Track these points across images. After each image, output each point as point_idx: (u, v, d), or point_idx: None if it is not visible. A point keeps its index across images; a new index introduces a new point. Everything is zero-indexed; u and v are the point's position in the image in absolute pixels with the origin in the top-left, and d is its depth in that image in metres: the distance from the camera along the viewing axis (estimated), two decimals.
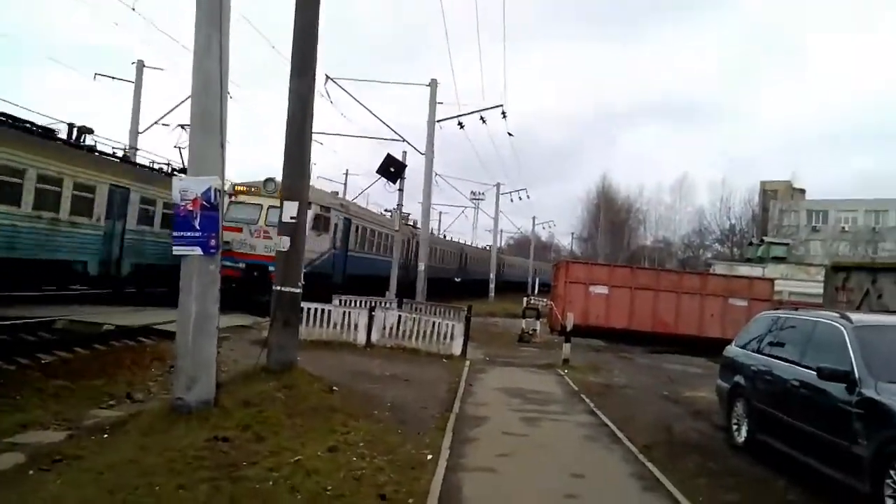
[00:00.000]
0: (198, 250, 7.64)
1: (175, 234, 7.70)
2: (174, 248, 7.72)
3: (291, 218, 9.80)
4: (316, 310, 15.33)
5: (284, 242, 9.77)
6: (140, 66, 27.93)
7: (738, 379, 9.04)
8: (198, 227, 7.63)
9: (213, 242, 7.66)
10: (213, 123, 7.59)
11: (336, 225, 23.29)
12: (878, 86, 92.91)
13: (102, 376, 9.90)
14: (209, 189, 7.61)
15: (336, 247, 22.94)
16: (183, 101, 24.65)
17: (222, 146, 7.65)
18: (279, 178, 21.19)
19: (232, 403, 7.82)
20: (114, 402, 8.78)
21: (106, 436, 7.04)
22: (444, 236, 52.26)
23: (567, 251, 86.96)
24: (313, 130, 10.15)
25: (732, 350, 9.82)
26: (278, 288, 9.71)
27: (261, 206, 20.73)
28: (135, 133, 27.06)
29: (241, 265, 20.09)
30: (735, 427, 8.96)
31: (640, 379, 15.00)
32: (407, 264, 33.92)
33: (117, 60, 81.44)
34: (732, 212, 65.59)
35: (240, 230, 20.59)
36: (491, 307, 38.92)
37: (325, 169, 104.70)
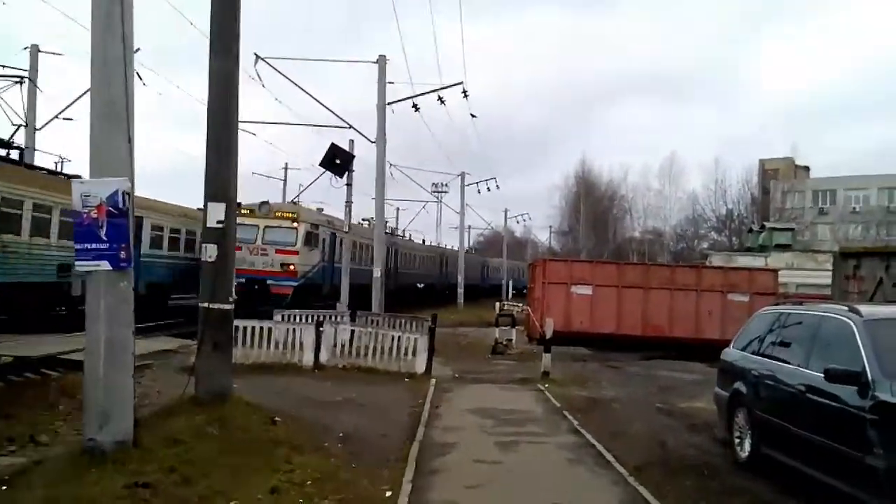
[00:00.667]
0: (105, 265, 7.45)
1: (77, 246, 7.51)
2: (76, 263, 7.53)
3: (218, 222, 9.64)
4: (253, 328, 15.16)
5: (210, 251, 9.61)
6: (34, 51, 27.31)
7: (739, 386, 9.16)
8: (104, 238, 7.44)
9: (123, 255, 7.48)
10: (118, 114, 7.42)
11: (324, 240, 28.48)
12: (893, 43, 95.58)
13: None
14: (116, 192, 7.43)
15: (325, 260, 27.92)
16: (87, 92, 24.22)
17: (130, 140, 7.48)
18: (273, 200, 25.10)
19: (154, 442, 7.67)
20: (14, 447, 8.52)
21: (4, 488, 6.82)
22: (404, 235, 53.28)
23: (545, 248, 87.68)
24: (242, 118, 10.02)
25: (731, 353, 9.94)
26: (205, 305, 9.57)
27: (257, 226, 26.48)
28: (31, 130, 26.45)
29: (242, 280, 24.38)
30: (737, 441, 9.08)
31: (631, 390, 15.16)
32: (388, 272, 36.30)
33: (7, 45, 79.46)
34: (729, 195, 66.85)
35: (240, 249, 24.10)
36: (461, 315, 39.03)
37: (258, 163, 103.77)
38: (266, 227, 26.83)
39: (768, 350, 8.89)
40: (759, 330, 9.42)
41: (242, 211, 25.89)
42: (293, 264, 26.99)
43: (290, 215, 27.93)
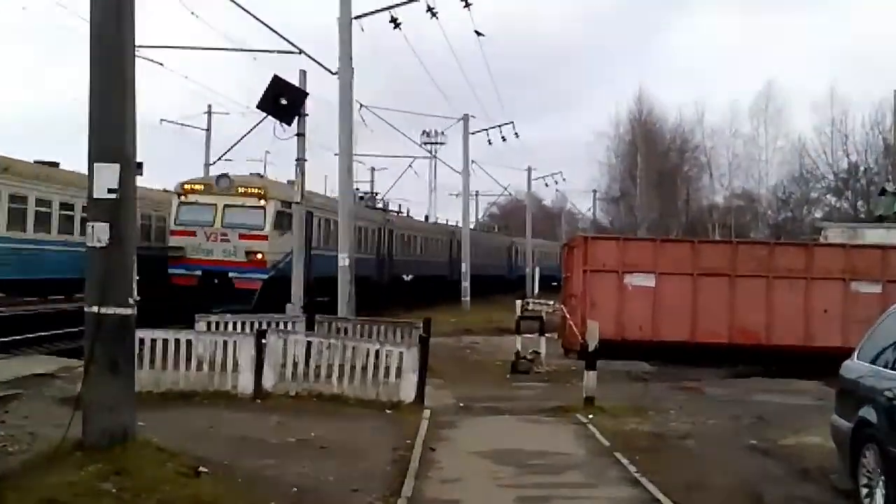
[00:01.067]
0: None
1: None
2: None
3: (110, 191, 9.57)
4: (165, 341, 15.13)
5: (99, 232, 9.53)
6: None
7: (866, 413, 9.13)
8: None
9: None
10: None
11: (302, 220, 27.66)
12: None
13: None
14: None
15: (301, 245, 27.75)
16: None
17: None
18: (235, 173, 27.72)
19: None
20: None
21: None
22: (400, 211, 54.55)
23: (587, 221, 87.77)
24: (143, 42, 9.93)
25: (855, 367, 9.91)
26: (94, 310, 9.50)
27: (215, 205, 28.42)
28: None
29: (198, 272, 27.48)
30: (864, 491, 9.10)
31: (713, 422, 15.17)
32: (381, 260, 41.74)
33: None
34: (851, 143, 66.81)
35: (193, 234, 28.53)
36: (467, 319, 39.13)
37: (170, 107, 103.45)
38: (226, 206, 28.80)
39: None
40: None
41: (196, 187, 29.54)
42: (261, 252, 28.63)
43: (257, 191, 29.50)
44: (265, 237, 28.73)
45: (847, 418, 9.63)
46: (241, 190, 29.15)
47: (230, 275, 27.14)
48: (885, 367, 9.23)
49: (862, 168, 66.85)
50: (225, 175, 29.46)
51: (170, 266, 29.51)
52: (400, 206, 57.07)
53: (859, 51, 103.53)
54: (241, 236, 28.53)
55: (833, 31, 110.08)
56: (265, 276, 27.43)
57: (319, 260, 30.46)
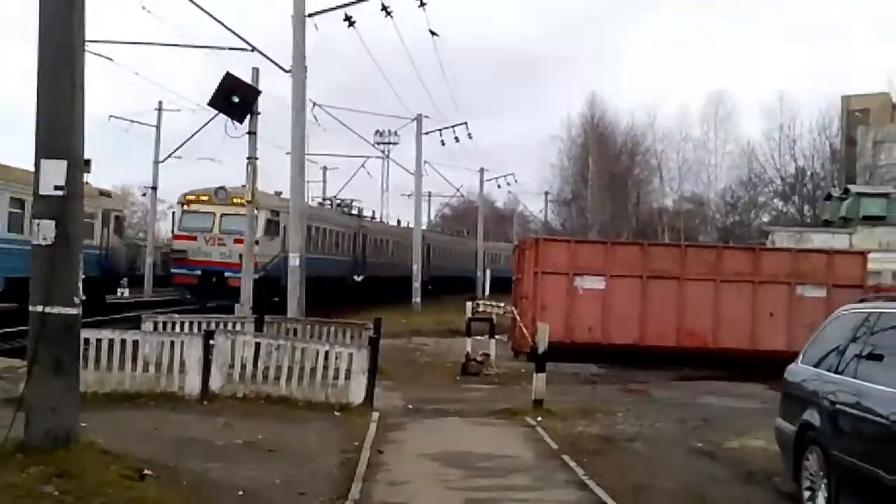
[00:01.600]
0: None
1: None
2: None
3: (57, 188, 9.44)
4: (111, 341, 14.97)
5: (45, 230, 9.40)
6: None
7: (810, 416, 9.24)
8: None
9: None
10: None
11: (285, 227, 31.84)
12: None
13: None
14: None
15: (285, 249, 30.85)
16: None
17: None
18: (231, 185, 31.54)
19: None
20: None
21: None
22: (374, 217, 58.35)
23: (539, 223, 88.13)
24: (93, 36, 9.82)
25: (799, 371, 10.03)
26: (38, 309, 9.37)
27: (213, 213, 33.53)
28: None
29: (198, 272, 33.03)
30: (807, 494, 9.19)
31: (660, 424, 15.28)
32: (355, 262, 47.10)
33: None
34: (799, 148, 67.82)
35: (194, 238, 34.16)
36: (418, 320, 39.10)
37: (119, 103, 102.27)
38: (223, 214, 33.77)
39: (852, 366, 8.95)
40: (840, 337, 9.50)
41: (201, 197, 34.84)
42: (253, 255, 31.06)
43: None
44: (256, 242, 30.85)
45: (791, 421, 9.74)
46: (235, 200, 32.26)
47: (226, 274, 31.42)
48: (829, 370, 9.33)
49: (809, 173, 67.95)
50: (222, 188, 34.06)
51: (173, 266, 35.63)
52: (374, 212, 61.45)
53: (809, 58, 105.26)
54: (236, 241, 31.76)
55: (785, 38, 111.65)
56: (256, 276, 29.68)
57: (335, 263, 41.00)
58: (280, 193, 38.08)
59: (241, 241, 30.43)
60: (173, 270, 35.48)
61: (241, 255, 30.22)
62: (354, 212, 54.13)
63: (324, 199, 55.97)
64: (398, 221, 67.33)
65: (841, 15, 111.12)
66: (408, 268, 54.07)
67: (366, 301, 42.53)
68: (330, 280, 40.68)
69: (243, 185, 34.16)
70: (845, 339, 9.36)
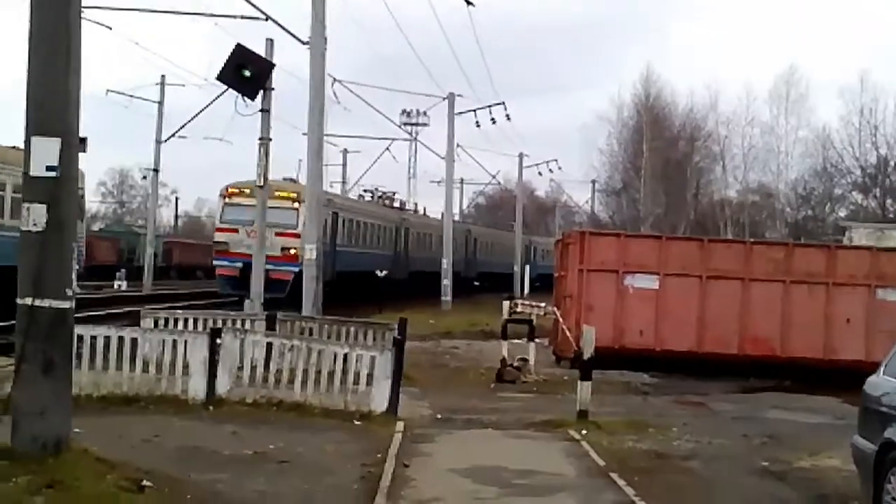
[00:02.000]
0: None
1: None
2: None
3: (49, 169, 9.50)
4: (107, 339, 15.05)
5: (36, 215, 9.45)
6: None
7: (893, 434, 9.18)
8: None
9: None
10: None
11: (325, 221, 36.21)
12: None
13: None
14: None
15: (326, 243, 35.46)
16: None
17: None
18: (273, 179, 30.09)
19: None
20: None
21: None
22: (416, 209, 62.81)
23: (585, 215, 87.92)
24: (86, 3, 9.88)
25: (881, 383, 9.96)
26: (27, 302, 9.43)
27: (254, 206, 31.19)
28: None
29: (239, 264, 35.23)
30: None
31: (721, 441, 15.21)
32: (397, 256, 50.53)
33: None
34: (881, 134, 67.09)
35: (236, 231, 37.10)
36: (448, 321, 39.12)
37: (117, 76, 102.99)
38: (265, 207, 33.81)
39: None
40: None
41: (244, 190, 36.67)
42: (294, 248, 35.10)
43: (291, 195, 37.53)
44: (297, 235, 35.02)
45: (871, 440, 9.66)
46: (277, 194, 34.77)
47: (267, 267, 30.99)
48: None
49: (892, 163, 67.06)
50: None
51: (215, 258, 39.29)
52: (416, 204, 66.55)
53: (892, 34, 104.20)
54: (277, 234, 34.95)
55: (864, 11, 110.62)
56: (297, 269, 32.37)
57: (346, 255, 42.75)
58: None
59: (282, 235, 35.52)
60: (215, 262, 39.27)
61: (282, 248, 35.56)
62: (396, 204, 57.83)
63: (363, 192, 60.31)
64: (442, 215, 68.28)
65: None
66: (454, 262, 56.77)
67: (412, 296, 46.50)
68: (368, 276, 44.47)
69: (286, 179, 40.25)
70: None
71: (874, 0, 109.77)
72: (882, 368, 10.22)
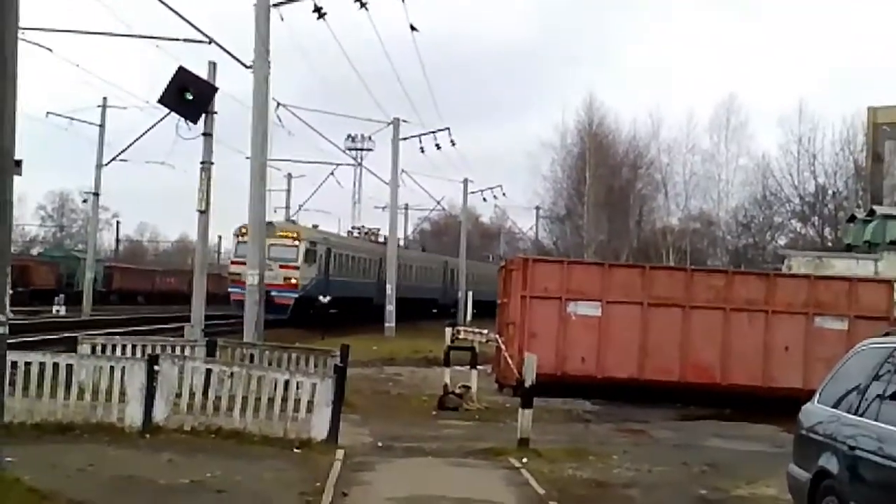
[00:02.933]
0: None
1: None
2: None
3: None
4: (42, 365, 14.85)
5: None
6: None
7: (827, 462, 9.25)
8: None
9: None
10: None
11: (321, 255, 50.55)
12: None
13: None
14: None
15: (320, 273, 49.58)
16: None
17: None
18: (278, 221, 51.77)
19: None
20: None
21: None
22: (360, 233, 68.09)
23: (529, 241, 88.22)
24: (27, 24, 9.83)
25: (815, 411, 10.03)
26: None
27: (287, 237, 46.51)
28: None
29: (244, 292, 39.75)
30: None
31: (661, 469, 15.26)
32: (381, 285, 56.42)
33: None
34: (820, 163, 68.01)
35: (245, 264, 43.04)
36: (392, 347, 39.06)
37: (58, 98, 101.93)
38: (271, 244, 40.70)
39: (875, 407, 8.96)
40: (862, 375, 9.50)
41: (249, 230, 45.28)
42: (294, 278, 47.24)
43: (293, 235, 49.01)
44: (297, 268, 47.51)
45: (806, 468, 9.73)
46: (280, 233, 46.59)
47: (272, 293, 38.58)
48: (849, 412, 9.32)
49: (830, 192, 67.92)
50: (270, 223, 40.73)
51: (230, 286, 47.05)
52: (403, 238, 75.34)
53: (832, 65, 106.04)
54: (281, 266, 45.09)
55: (803, 42, 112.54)
56: (296, 295, 45.85)
57: (360, 285, 57.19)
58: (317, 226, 57.53)
59: (285, 267, 45.79)
60: (230, 290, 46.80)
61: (284, 278, 45.86)
62: (381, 240, 64.97)
63: (352, 228, 72.96)
64: (423, 248, 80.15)
65: (867, 16, 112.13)
66: (431, 290, 69.19)
67: (399, 319, 53.11)
68: (356, 300, 55.26)
69: (289, 221, 51.68)
70: (867, 376, 9.35)
71: (812, 30, 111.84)
72: (816, 397, 10.32)
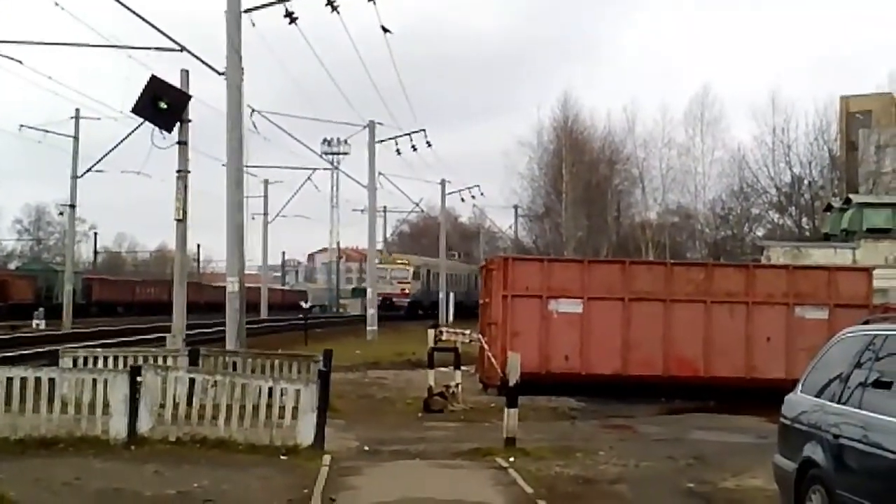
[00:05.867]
0: None
1: None
2: None
3: None
4: (23, 379, 14.71)
5: None
6: None
7: (812, 452, 9.29)
8: None
9: None
10: None
11: (423, 274, 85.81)
12: None
13: None
14: None
15: (423, 286, 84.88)
16: None
17: None
18: (396, 254, 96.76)
19: None
20: None
21: None
22: (458, 256, 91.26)
23: (509, 240, 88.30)
24: None
25: (798, 401, 10.08)
26: None
27: (387, 268, 78.62)
28: None
29: (380, 298, 61.16)
30: None
31: (647, 463, 15.32)
32: (471, 293, 75.55)
33: None
34: (794, 154, 68.27)
35: (380, 280, 67.20)
36: (374, 351, 39.03)
37: (31, 111, 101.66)
38: (392, 268, 79.26)
39: (857, 395, 9.00)
40: (843, 363, 9.55)
41: (385, 259, 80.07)
42: (406, 289, 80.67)
43: (405, 262, 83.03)
44: (409, 282, 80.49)
45: (791, 458, 9.78)
46: (398, 261, 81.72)
47: (393, 299, 76.63)
48: (832, 400, 9.37)
49: (806, 182, 68.16)
50: (391, 254, 78.18)
51: (378, 298, 61.78)
52: (459, 254, 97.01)
53: (805, 54, 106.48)
54: (398, 282, 79.26)
55: (779, 32, 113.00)
56: (408, 301, 79.98)
57: (434, 292, 78.54)
58: (418, 254, 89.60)
59: (401, 283, 79.55)
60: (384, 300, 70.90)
61: (401, 289, 79.24)
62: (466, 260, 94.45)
63: (450, 252, 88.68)
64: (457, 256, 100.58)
65: (837, 5, 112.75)
66: (462, 294, 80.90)
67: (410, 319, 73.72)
68: (461, 304, 69.97)
69: (401, 252, 71.57)
70: (849, 365, 9.41)
71: (783, 21, 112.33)
72: (799, 387, 10.35)
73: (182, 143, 24.31)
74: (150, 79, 22.70)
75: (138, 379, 15.06)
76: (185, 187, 24.81)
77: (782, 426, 10.39)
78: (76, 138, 54.45)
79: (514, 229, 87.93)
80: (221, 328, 26.81)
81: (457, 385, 22.61)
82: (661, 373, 24.22)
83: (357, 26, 31.69)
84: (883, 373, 8.85)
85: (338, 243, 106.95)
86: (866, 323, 10.53)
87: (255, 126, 37.51)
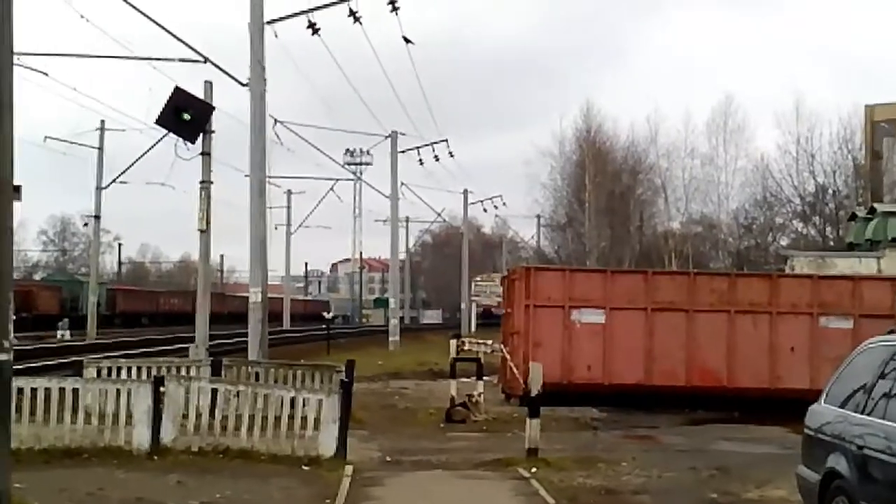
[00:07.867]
0: None
1: None
2: None
3: None
4: (47, 391, 14.81)
5: None
6: None
7: (836, 463, 9.24)
8: None
9: None
10: None
11: None
12: None
13: None
14: None
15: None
16: None
17: None
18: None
19: None
20: None
21: None
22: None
23: (531, 250, 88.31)
24: (23, 49, 10.00)
25: (823, 411, 10.02)
26: None
27: (486, 284, 78.49)
28: None
29: (480, 309, 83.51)
30: None
31: (670, 474, 15.27)
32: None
33: None
34: (819, 163, 67.89)
35: (479, 296, 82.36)
36: (396, 361, 39.04)
37: (55, 123, 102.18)
38: (489, 284, 69.86)
39: (882, 405, 8.94)
40: (867, 374, 9.50)
41: (484, 278, 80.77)
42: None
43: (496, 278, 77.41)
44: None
45: (814, 469, 9.73)
46: (512, 276, 65.08)
47: (492, 309, 67.23)
48: (856, 411, 9.31)
49: (830, 191, 67.74)
50: (496, 271, 66.12)
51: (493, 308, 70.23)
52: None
53: (829, 64, 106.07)
54: (496, 295, 64.88)
55: (803, 42, 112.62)
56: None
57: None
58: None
59: (498, 296, 59.56)
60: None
61: (499, 301, 59.16)
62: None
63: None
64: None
65: (862, 14, 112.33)
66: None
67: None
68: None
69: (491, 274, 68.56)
70: (873, 375, 9.35)
71: (807, 29, 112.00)
72: (823, 397, 10.30)
73: (205, 154, 24.42)
74: (174, 90, 22.82)
75: (161, 389, 15.13)
76: (209, 198, 24.89)
77: (806, 437, 10.35)
78: (101, 150, 54.78)
79: (536, 239, 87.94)
80: (244, 339, 26.86)
81: (479, 395, 22.64)
82: (685, 383, 24.11)
83: (379, 36, 31.74)
84: None
85: (360, 253, 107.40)
86: (891, 333, 10.46)
87: (277, 136, 37.61)
